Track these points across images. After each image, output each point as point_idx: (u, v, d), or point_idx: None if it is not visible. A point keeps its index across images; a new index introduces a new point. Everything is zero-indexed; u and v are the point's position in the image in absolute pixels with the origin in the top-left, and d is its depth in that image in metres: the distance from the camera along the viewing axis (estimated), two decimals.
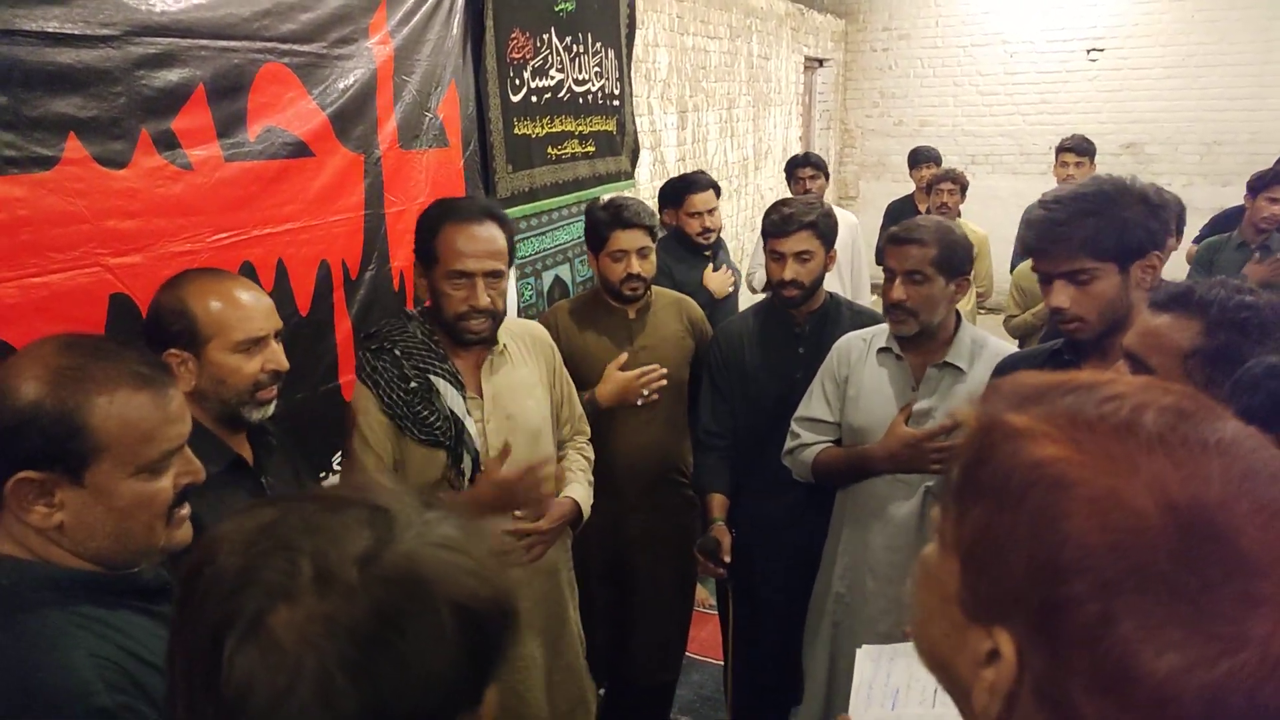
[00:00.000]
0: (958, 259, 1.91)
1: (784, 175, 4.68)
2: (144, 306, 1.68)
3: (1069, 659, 0.48)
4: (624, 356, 2.29)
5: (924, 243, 1.89)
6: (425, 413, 1.78)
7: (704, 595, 3.20)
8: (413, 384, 1.78)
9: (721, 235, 3.58)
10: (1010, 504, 0.50)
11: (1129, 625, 0.46)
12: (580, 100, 3.39)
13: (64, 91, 1.54)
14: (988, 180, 7.99)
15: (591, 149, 3.51)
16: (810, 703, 2.12)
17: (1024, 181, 7.59)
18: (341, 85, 2.19)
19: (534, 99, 3.06)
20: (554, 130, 3.21)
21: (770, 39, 6.65)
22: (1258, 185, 3.45)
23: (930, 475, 1.88)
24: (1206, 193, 7.25)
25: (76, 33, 1.55)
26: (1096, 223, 1.48)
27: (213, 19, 1.82)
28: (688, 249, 3.28)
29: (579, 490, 2.02)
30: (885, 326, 2.02)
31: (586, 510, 2.02)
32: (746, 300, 3.20)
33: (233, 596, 0.56)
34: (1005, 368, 1.76)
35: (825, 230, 2.23)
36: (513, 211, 2.95)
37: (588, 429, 2.18)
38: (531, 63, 3.03)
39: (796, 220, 2.20)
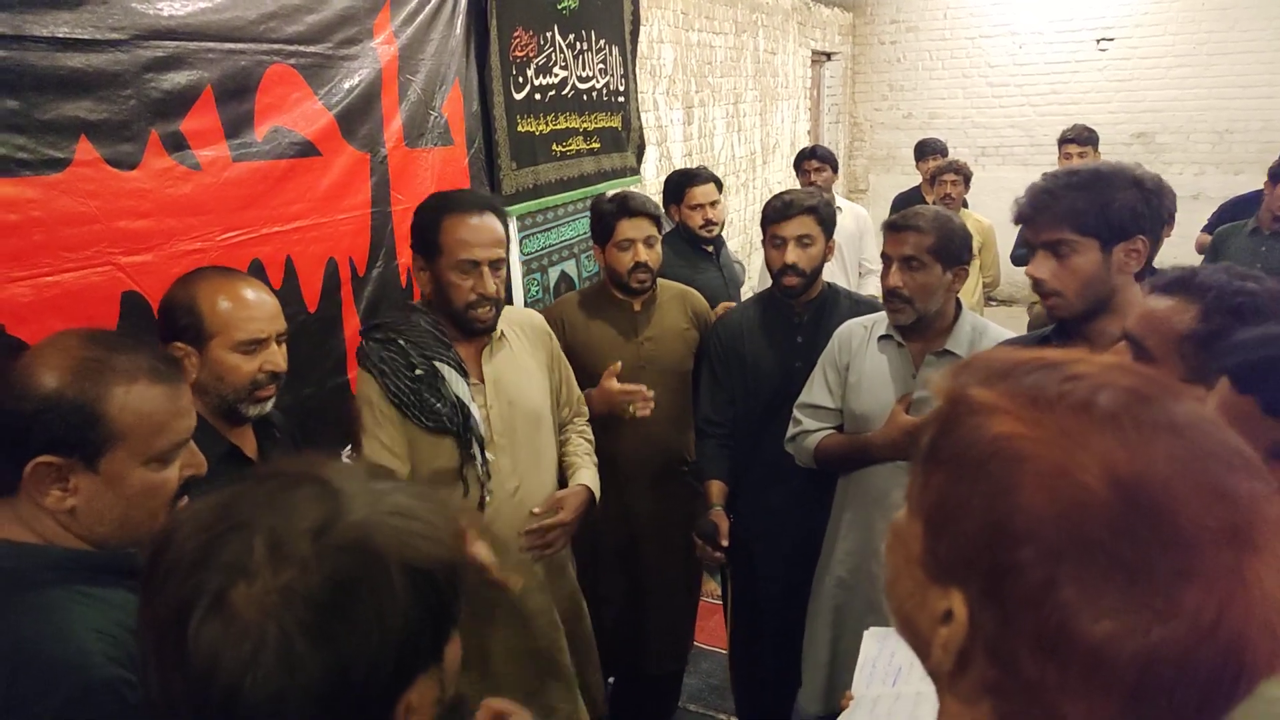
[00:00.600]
0: (955, 247, 1.92)
1: (792, 169, 4.69)
2: (155, 304, 1.73)
3: (1015, 620, 0.51)
4: (618, 365, 2.30)
5: (921, 230, 1.90)
6: (432, 399, 1.81)
7: (711, 586, 3.22)
8: (419, 371, 1.82)
9: (723, 234, 3.59)
10: (969, 474, 0.54)
11: (1070, 591, 0.49)
12: (584, 97, 3.41)
13: (75, 95, 1.57)
14: (998, 171, 7.97)
15: (596, 145, 3.54)
16: (811, 685, 2.14)
17: (1035, 172, 7.45)
18: (347, 85, 2.22)
19: (538, 96, 3.08)
20: (558, 127, 3.24)
21: (777, 33, 6.65)
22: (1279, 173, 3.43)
23: None
24: (1219, 181, 7.21)
25: (86, 37, 1.58)
26: (1083, 196, 1.50)
27: (219, 22, 1.85)
28: (690, 247, 3.27)
29: (588, 475, 2.06)
30: (885, 314, 2.03)
31: (597, 493, 2.06)
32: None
33: (193, 576, 0.59)
34: None
35: (825, 216, 2.25)
36: (518, 208, 2.98)
37: (586, 410, 2.22)
38: (535, 60, 3.06)
39: (797, 205, 2.22)
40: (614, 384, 2.24)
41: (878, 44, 8.70)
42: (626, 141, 3.83)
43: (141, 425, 1.02)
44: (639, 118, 3.96)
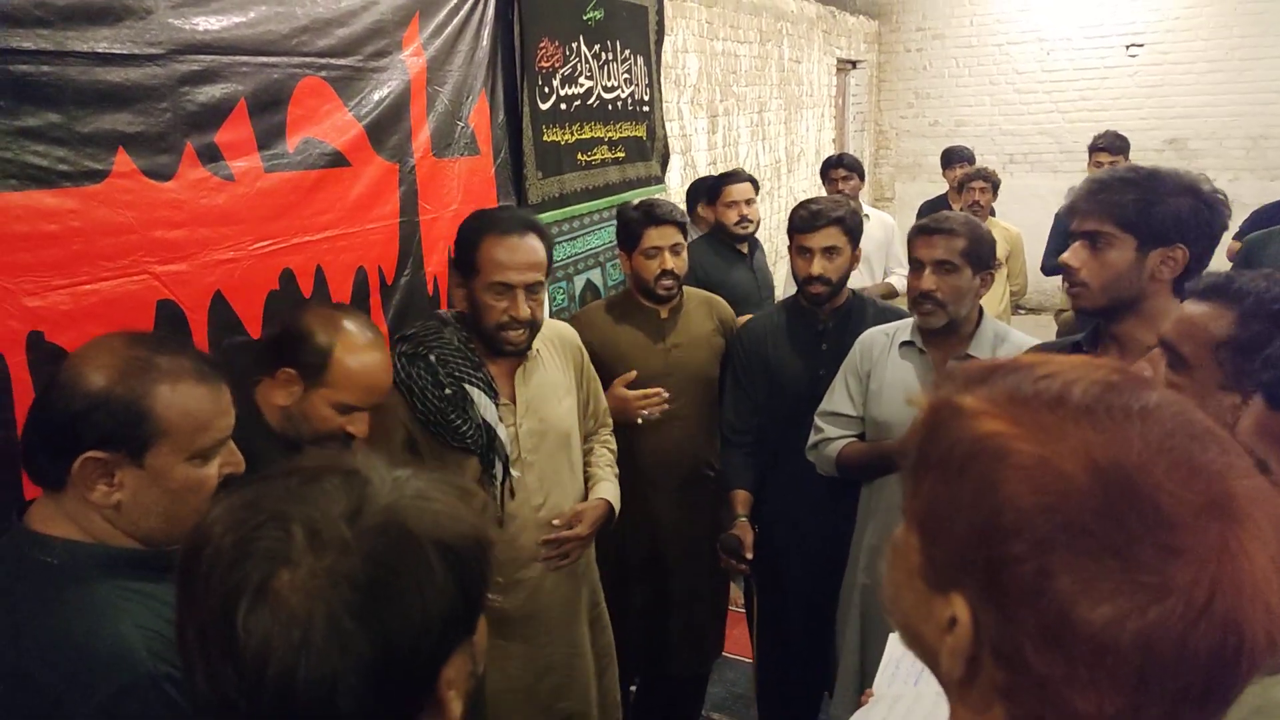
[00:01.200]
0: (984, 252, 1.93)
1: (819, 178, 4.69)
2: (189, 312, 1.76)
3: (1016, 616, 0.52)
4: (632, 374, 2.32)
5: (954, 233, 1.91)
6: (458, 421, 1.82)
7: (735, 594, 3.21)
8: (447, 391, 1.82)
9: (761, 236, 3.65)
10: (955, 475, 0.55)
11: (1065, 580, 0.50)
12: (610, 107, 3.44)
13: (113, 108, 1.61)
14: (1027, 179, 7.90)
15: (621, 154, 3.56)
16: (844, 690, 2.13)
17: (1064, 180, 7.46)
18: (376, 97, 2.25)
19: (563, 106, 3.11)
20: (584, 137, 3.26)
21: (801, 42, 6.65)
22: None
23: None
24: (1254, 188, 7.09)
25: (124, 52, 1.62)
26: (1132, 192, 1.49)
27: (253, 36, 1.89)
28: (723, 248, 3.35)
29: (608, 489, 2.06)
30: (908, 322, 2.03)
31: (617, 507, 2.06)
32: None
33: (235, 569, 0.61)
34: None
35: (852, 227, 2.26)
36: (544, 217, 3.00)
37: (610, 421, 2.23)
38: (560, 71, 3.08)
39: (824, 215, 2.22)
40: (625, 391, 2.26)
41: (903, 51, 8.67)
42: (651, 151, 3.85)
43: (185, 422, 1.06)
44: (664, 127, 3.98)
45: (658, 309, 2.47)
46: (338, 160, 2.14)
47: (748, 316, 2.67)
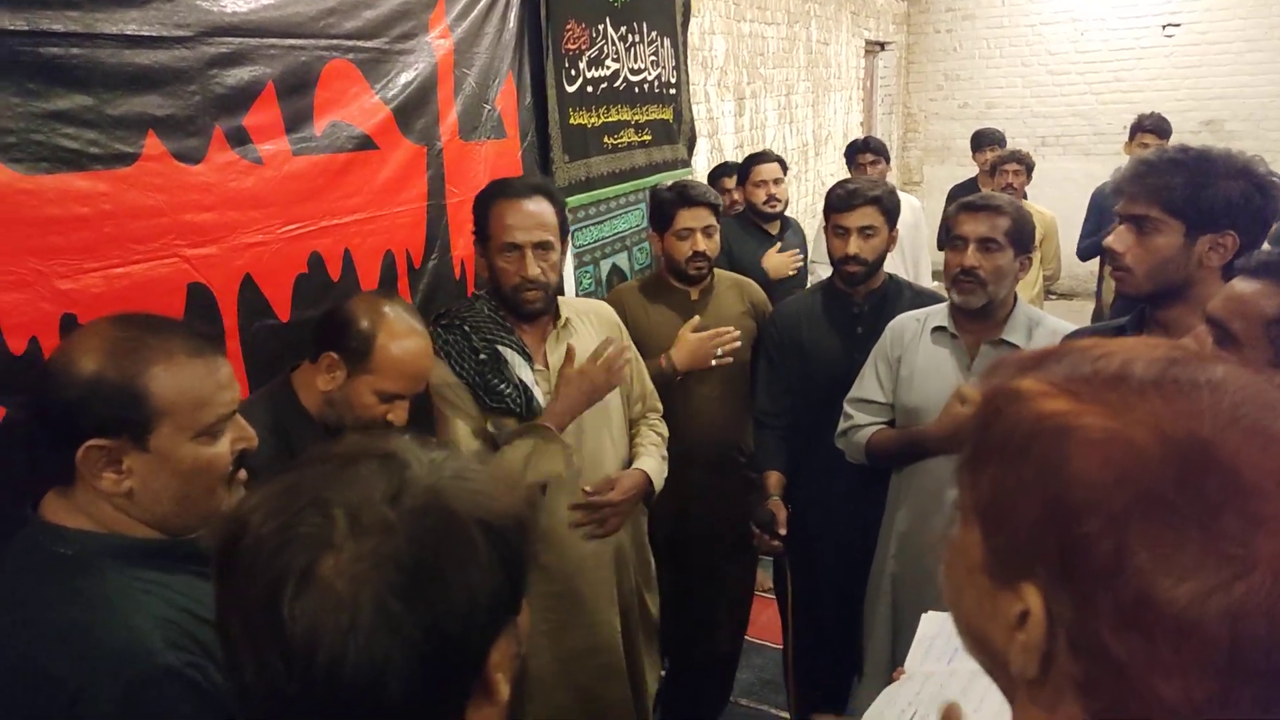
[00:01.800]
0: (1026, 235, 1.90)
1: (844, 161, 4.64)
2: (219, 295, 1.77)
3: (1092, 599, 0.49)
4: (697, 319, 2.33)
5: (1000, 210, 1.88)
6: (496, 381, 1.85)
7: (762, 578, 3.20)
8: (482, 355, 1.86)
9: (795, 218, 3.67)
10: (1018, 458, 0.53)
11: (1143, 555, 0.47)
12: (636, 89, 3.41)
13: (142, 91, 1.61)
14: (1059, 162, 7.77)
15: (648, 138, 3.53)
16: (873, 677, 2.11)
17: (1097, 162, 7.36)
18: (403, 79, 2.24)
19: (590, 89, 3.08)
20: (610, 120, 3.24)
21: (829, 24, 6.57)
22: None
23: None
24: None
25: (153, 34, 1.62)
26: (1181, 175, 1.44)
27: (281, 18, 1.88)
28: (752, 229, 3.36)
29: (650, 463, 2.05)
30: (941, 306, 2.00)
31: (659, 483, 2.05)
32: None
33: (277, 556, 0.60)
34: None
35: (889, 207, 2.23)
36: (570, 201, 2.98)
37: (660, 405, 2.21)
38: (587, 53, 3.06)
39: (861, 195, 2.20)
40: (691, 336, 2.27)
41: (933, 33, 8.54)
42: (678, 134, 3.82)
43: (184, 399, 1.03)
44: (690, 110, 3.94)
45: (688, 290, 2.46)
46: (365, 143, 2.13)
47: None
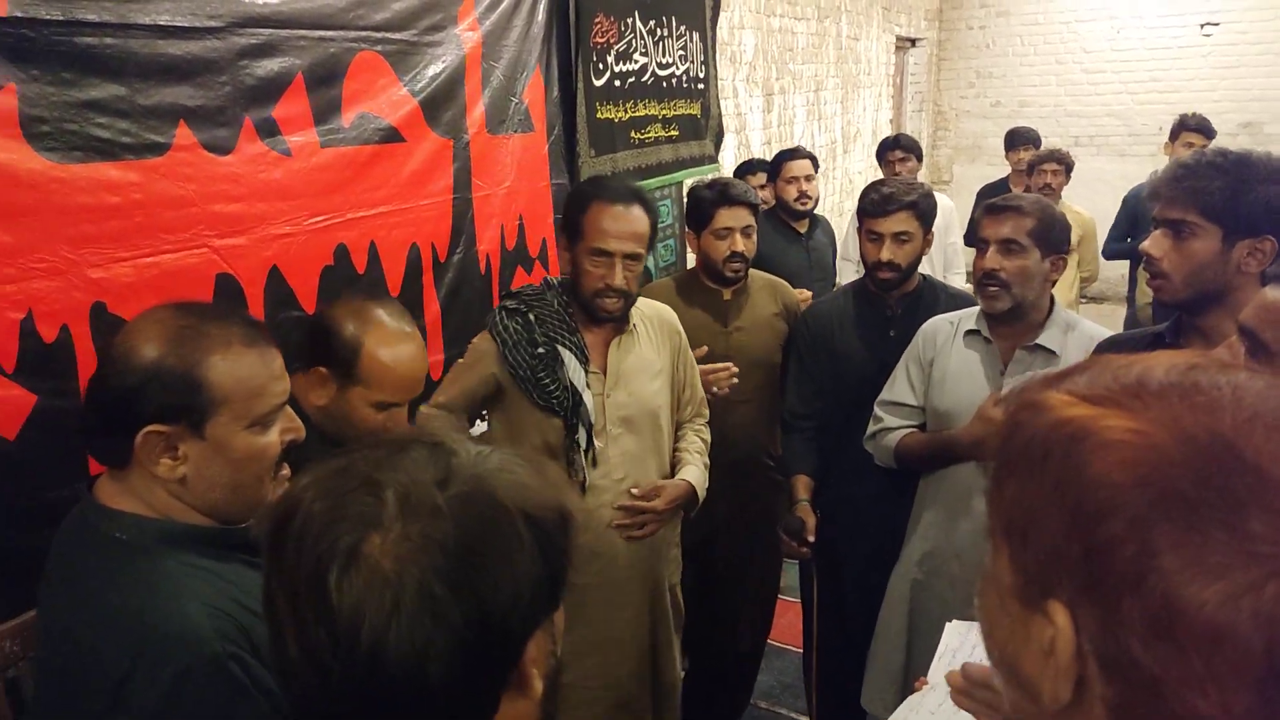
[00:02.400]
0: (1055, 234, 1.85)
1: (875, 159, 4.59)
2: (246, 286, 1.78)
3: (1120, 609, 0.47)
4: (704, 349, 2.30)
5: (1022, 211, 1.84)
6: (546, 379, 1.84)
7: (785, 581, 3.18)
8: (540, 350, 1.85)
9: (824, 218, 3.65)
10: (1037, 468, 0.51)
11: (1170, 558, 0.45)
12: (664, 84, 3.39)
13: (174, 81, 1.62)
14: (1093, 163, 7.64)
15: (675, 133, 3.51)
16: (879, 681, 2.08)
17: (1132, 164, 7.24)
18: (431, 72, 2.24)
19: (617, 83, 3.07)
20: (637, 114, 3.22)
21: (860, 19, 6.50)
22: None
23: None
24: None
25: (185, 25, 1.63)
26: (1219, 179, 1.41)
27: (311, 10, 1.89)
28: (781, 226, 3.35)
29: (694, 473, 2.04)
30: (974, 310, 1.96)
31: (701, 493, 2.04)
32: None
33: (326, 534, 0.61)
34: (1104, 349, 1.70)
35: (925, 211, 2.18)
36: None
37: (707, 412, 2.20)
38: (615, 47, 3.04)
39: (896, 200, 2.14)
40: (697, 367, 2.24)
41: (965, 29, 8.43)
42: (705, 129, 3.80)
43: (241, 389, 1.04)
44: (718, 105, 3.91)
45: (721, 290, 2.44)
46: (392, 136, 2.14)
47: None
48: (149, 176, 1.59)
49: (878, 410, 2.08)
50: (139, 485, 1.04)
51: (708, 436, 2.18)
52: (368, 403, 1.48)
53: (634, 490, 1.92)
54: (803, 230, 3.43)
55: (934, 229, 3.70)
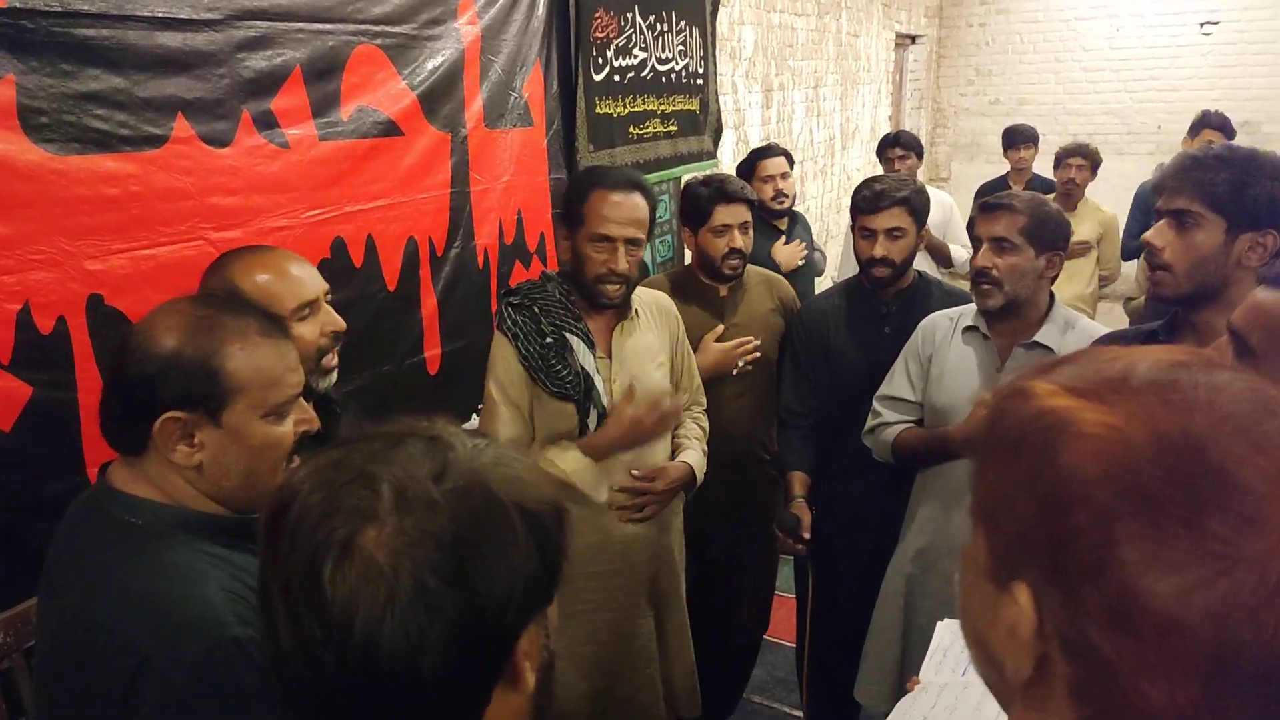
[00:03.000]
0: (1050, 232, 1.85)
1: (874, 156, 4.58)
2: None
3: (1080, 595, 0.49)
4: (720, 328, 2.33)
5: (1014, 210, 1.84)
6: (558, 366, 1.87)
7: (779, 577, 3.19)
8: (548, 339, 1.88)
9: (803, 213, 3.58)
10: (1015, 454, 0.53)
11: (1129, 550, 0.47)
12: (663, 79, 3.39)
13: (172, 73, 1.62)
14: None
15: (674, 128, 3.51)
16: (871, 679, 2.09)
17: (1131, 162, 7.24)
18: (430, 66, 2.24)
19: (616, 78, 3.07)
20: (636, 109, 3.22)
21: (860, 15, 6.50)
22: None
23: None
24: None
25: (183, 17, 1.63)
26: (1225, 171, 1.42)
27: (309, 2, 1.88)
28: (760, 224, 3.30)
29: (694, 456, 2.07)
30: (973, 306, 1.97)
31: (700, 476, 2.07)
32: (825, 285, 3.15)
33: (321, 526, 0.61)
34: (1102, 345, 1.71)
35: (917, 207, 2.18)
36: None
37: (704, 399, 2.22)
38: (615, 42, 3.04)
39: (888, 196, 2.15)
40: (714, 345, 2.28)
41: (965, 26, 8.42)
42: (704, 125, 3.79)
43: (257, 378, 1.06)
44: (717, 100, 3.91)
45: (718, 287, 2.44)
46: (390, 129, 2.13)
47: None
48: (146, 169, 1.59)
49: (876, 405, 2.09)
50: (154, 472, 1.05)
51: (706, 424, 2.20)
52: (289, 317, 1.36)
53: (635, 472, 1.94)
54: (784, 228, 3.39)
55: (935, 226, 3.69)
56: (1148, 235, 1.50)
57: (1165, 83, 7.59)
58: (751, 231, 2.41)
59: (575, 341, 1.89)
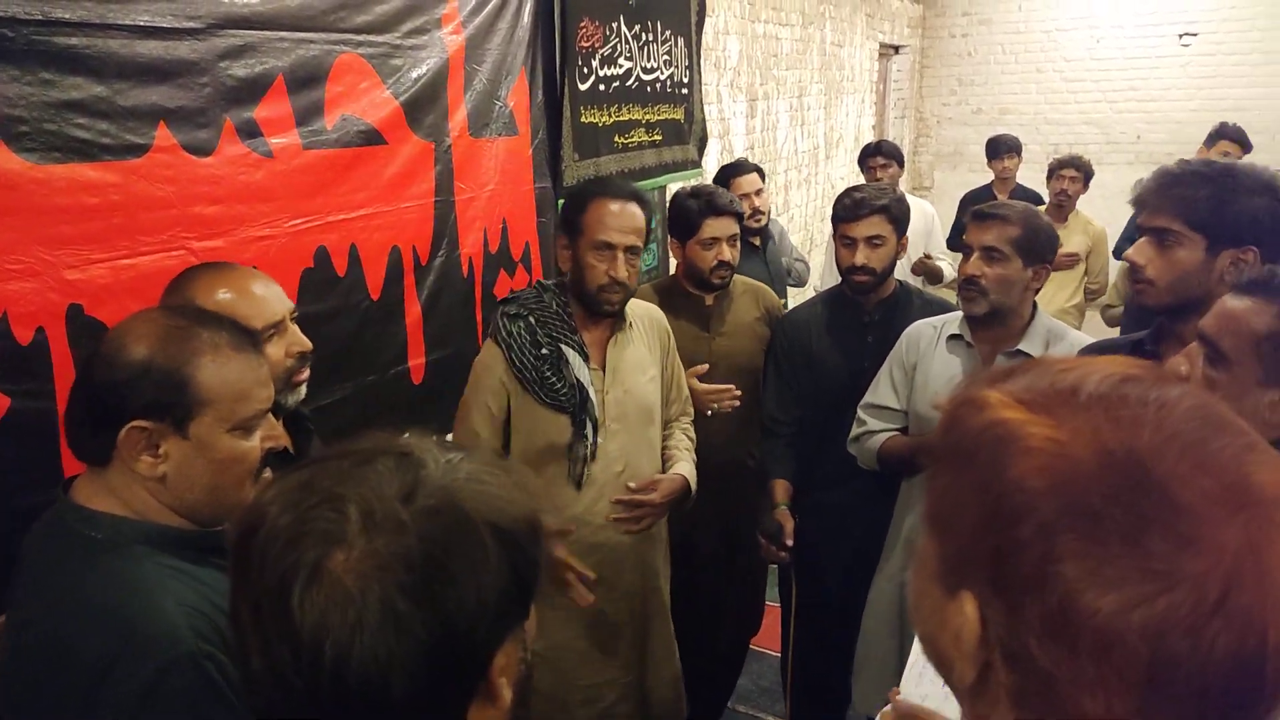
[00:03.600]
0: (1039, 245, 1.88)
1: (857, 165, 4.61)
2: None
3: (1021, 607, 0.50)
4: (704, 367, 2.32)
5: (1007, 220, 1.87)
6: (553, 378, 1.89)
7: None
8: (544, 350, 1.90)
9: (787, 222, 3.58)
10: (965, 464, 0.54)
11: (1071, 566, 0.48)
12: (648, 89, 3.40)
13: (154, 82, 1.61)
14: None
15: (659, 138, 3.52)
16: (868, 688, 2.09)
17: (1110, 172, 7.31)
18: (414, 74, 2.24)
19: (602, 87, 3.07)
20: (621, 119, 3.23)
21: (844, 26, 6.54)
22: None
23: None
24: None
25: (165, 25, 1.62)
26: (1205, 189, 1.44)
27: (292, 11, 1.88)
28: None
29: (686, 468, 2.08)
30: (957, 314, 1.99)
31: (693, 486, 2.08)
32: (808, 294, 3.16)
33: (290, 549, 0.61)
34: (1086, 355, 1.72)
35: (897, 215, 2.20)
36: None
37: (692, 411, 2.24)
38: (600, 51, 3.05)
39: (868, 204, 2.17)
40: (695, 383, 2.27)
41: (948, 37, 8.50)
42: (689, 134, 3.81)
43: (227, 391, 1.05)
44: (702, 110, 3.93)
45: (704, 296, 2.45)
46: (374, 138, 2.13)
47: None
48: (128, 178, 1.57)
49: (861, 413, 2.11)
50: (117, 484, 1.04)
51: (694, 435, 2.21)
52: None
53: (631, 484, 1.96)
54: (758, 244, 3.38)
55: (916, 234, 3.71)
56: (1130, 253, 1.53)
57: (1144, 93, 7.68)
58: (739, 244, 2.42)
59: (571, 354, 1.91)
